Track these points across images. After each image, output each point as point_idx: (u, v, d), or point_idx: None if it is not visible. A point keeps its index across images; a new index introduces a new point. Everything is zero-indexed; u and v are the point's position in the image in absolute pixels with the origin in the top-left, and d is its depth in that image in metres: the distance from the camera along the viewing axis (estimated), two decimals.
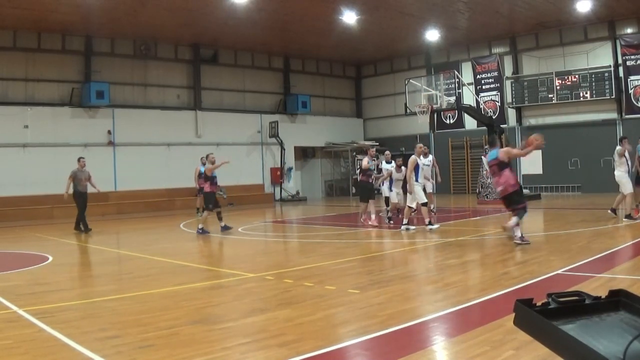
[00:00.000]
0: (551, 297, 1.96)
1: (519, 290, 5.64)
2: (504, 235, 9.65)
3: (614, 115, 21.03)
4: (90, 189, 14.06)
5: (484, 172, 19.15)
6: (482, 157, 19.57)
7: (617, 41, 20.71)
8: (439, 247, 9.39)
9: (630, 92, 20.46)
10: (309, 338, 4.30)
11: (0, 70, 19.37)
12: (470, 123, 24.05)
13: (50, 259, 9.28)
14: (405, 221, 11.66)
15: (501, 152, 9.08)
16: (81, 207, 13.62)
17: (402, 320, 4.70)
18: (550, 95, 22.13)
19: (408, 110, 20.66)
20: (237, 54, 25.34)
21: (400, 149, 24.29)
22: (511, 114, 23.88)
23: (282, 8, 18.95)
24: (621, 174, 11.68)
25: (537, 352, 3.50)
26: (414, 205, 11.61)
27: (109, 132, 21.20)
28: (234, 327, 4.77)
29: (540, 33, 22.67)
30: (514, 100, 23.38)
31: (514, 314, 1.98)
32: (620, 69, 20.66)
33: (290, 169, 26.70)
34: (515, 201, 8.89)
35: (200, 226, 12.54)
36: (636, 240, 9.08)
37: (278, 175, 25.89)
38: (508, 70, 23.81)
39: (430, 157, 14.56)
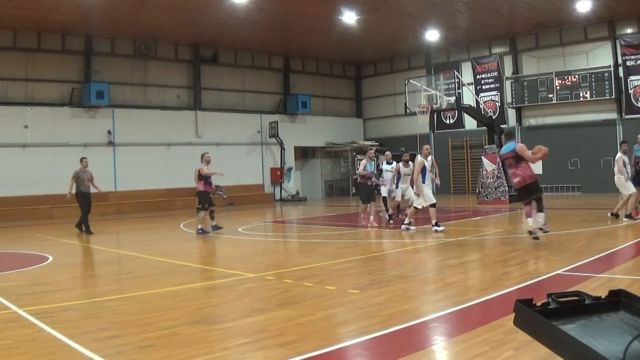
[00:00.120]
0: (551, 297, 1.96)
1: (519, 290, 5.64)
2: (540, 234, 9.21)
3: (613, 115, 21.03)
4: (92, 189, 14.03)
5: (484, 172, 19.17)
6: (482, 157, 19.59)
7: (617, 41, 20.71)
8: (439, 247, 9.39)
9: (630, 92, 20.46)
10: (309, 338, 4.30)
11: (0, 70, 19.37)
12: (470, 123, 24.06)
13: (50, 259, 9.28)
14: (407, 221, 11.65)
15: (519, 146, 9.11)
16: (84, 208, 13.58)
17: (402, 320, 4.70)
18: (550, 96, 22.13)
19: (408, 110, 20.67)
20: (237, 54, 25.35)
21: (400, 149, 24.31)
22: (511, 114, 23.88)
23: (282, 8, 18.95)
24: (621, 179, 11.67)
25: (537, 352, 3.50)
26: (419, 206, 11.61)
27: (109, 132, 21.21)
28: (234, 327, 4.77)
29: (540, 33, 22.67)
30: (513, 100, 23.38)
31: (514, 314, 1.98)
32: (620, 69, 20.67)
33: (290, 169, 26.70)
34: (536, 189, 9.07)
35: (199, 226, 12.53)
36: (636, 240, 9.08)
37: (278, 175, 25.89)
38: (508, 70, 23.82)
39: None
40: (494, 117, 22.11)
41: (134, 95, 22.55)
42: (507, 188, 18.53)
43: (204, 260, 9.60)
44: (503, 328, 4.21)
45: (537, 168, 23.47)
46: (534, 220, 8.95)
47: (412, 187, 12.23)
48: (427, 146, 12.07)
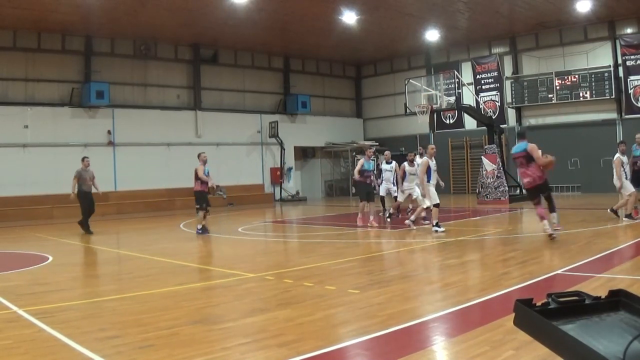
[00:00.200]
0: (551, 297, 1.96)
1: (519, 290, 5.64)
2: (556, 233, 9.24)
3: (613, 115, 21.03)
4: (92, 189, 14.03)
5: (484, 172, 19.17)
6: (482, 157, 19.59)
7: (617, 41, 20.71)
8: (439, 247, 9.39)
9: (630, 92, 20.46)
10: (309, 338, 4.30)
11: (0, 70, 19.38)
12: (470, 123, 24.05)
13: (50, 259, 9.28)
14: (434, 222, 11.08)
15: (530, 147, 9.11)
16: (86, 208, 13.55)
17: (402, 320, 4.69)
18: (550, 95, 22.13)
19: (408, 110, 20.66)
20: (237, 54, 25.34)
21: (400, 149, 24.32)
22: (511, 114, 23.88)
23: (282, 8, 18.95)
24: (620, 179, 11.66)
25: (537, 352, 3.50)
26: (425, 205, 11.58)
27: (109, 132, 21.21)
28: (234, 327, 4.76)
29: (540, 33, 22.67)
30: (513, 100, 23.38)
31: (514, 314, 1.98)
32: (620, 69, 20.67)
33: (290, 169, 26.70)
34: (546, 189, 9.25)
35: (199, 226, 12.53)
36: (636, 240, 9.08)
37: (278, 175, 25.89)
38: (508, 70, 23.82)
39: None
40: (493, 117, 22.11)
41: (134, 95, 22.55)
42: (507, 188, 18.53)
43: (204, 260, 9.60)
44: (503, 328, 4.21)
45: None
46: (550, 222, 9.00)
47: (418, 187, 12.21)
48: (433, 146, 11.92)
